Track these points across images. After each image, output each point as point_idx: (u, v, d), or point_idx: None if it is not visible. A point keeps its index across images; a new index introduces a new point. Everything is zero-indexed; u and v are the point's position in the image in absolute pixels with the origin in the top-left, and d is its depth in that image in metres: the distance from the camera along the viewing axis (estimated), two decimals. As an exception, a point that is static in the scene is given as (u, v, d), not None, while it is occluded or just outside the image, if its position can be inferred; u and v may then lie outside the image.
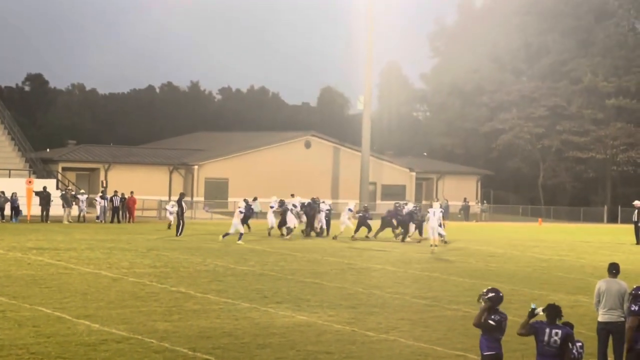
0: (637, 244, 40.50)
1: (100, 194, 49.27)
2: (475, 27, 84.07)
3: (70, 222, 44.91)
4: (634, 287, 13.02)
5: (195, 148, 69.13)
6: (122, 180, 57.28)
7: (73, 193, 48.26)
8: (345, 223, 38.78)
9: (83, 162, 61.10)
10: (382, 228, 38.74)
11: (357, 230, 38.22)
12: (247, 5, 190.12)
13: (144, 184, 58.38)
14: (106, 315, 16.95)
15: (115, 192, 48.24)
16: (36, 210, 45.00)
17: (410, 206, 39.52)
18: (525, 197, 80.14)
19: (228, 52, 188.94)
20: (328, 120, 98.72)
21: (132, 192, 48.75)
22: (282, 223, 38.25)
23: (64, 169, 59.30)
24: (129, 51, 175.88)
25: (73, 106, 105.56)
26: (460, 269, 27.43)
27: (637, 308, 12.45)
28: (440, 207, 36.93)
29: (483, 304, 11.06)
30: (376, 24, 66.64)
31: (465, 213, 62.73)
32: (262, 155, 65.63)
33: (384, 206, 56.84)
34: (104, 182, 57.33)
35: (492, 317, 10.99)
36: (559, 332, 10.62)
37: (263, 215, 41.55)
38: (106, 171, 60.28)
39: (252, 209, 42.73)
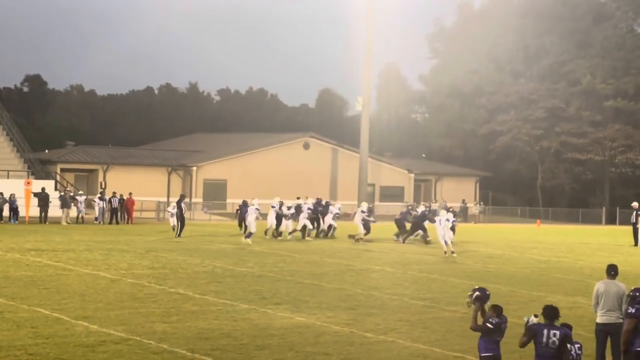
0: (636, 245, 40.49)
1: (98, 195, 49.30)
2: (474, 28, 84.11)
3: (69, 223, 44.90)
4: (632, 288, 13.02)
5: (194, 149, 69.16)
6: (120, 181, 57.30)
7: (71, 194, 48.25)
8: (360, 224, 38.58)
9: (81, 163, 61.11)
10: (408, 230, 38.60)
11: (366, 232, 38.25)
12: (245, 7, 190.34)
13: (143, 185, 58.37)
14: (104, 316, 16.95)
15: (114, 193, 48.25)
16: (35, 211, 44.99)
17: (422, 208, 39.52)
18: (523, 199, 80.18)
19: (227, 53, 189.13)
20: (326, 121, 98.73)
21: (130, 193, 48.75)
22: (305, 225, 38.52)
23: (62, 170, 59.32)
24: (127, 52, 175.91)
25: (72, 107, 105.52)
26: (459, 271, 27.44)
27: (634, 310, 12.45)
28: (452, 213, 36.09)
29: (473, 306, 11.12)
30: (375, 25, 66.67)
31: (463, 214, 62.75)
32: (261, 156, 65.66)
33: (383, 207, 56.93)
34: (103, 183, 57.34)
35: (491, 320, 11.01)
36: (557, 332, 10.63)
37: (263, 216, 41.53)
38: (105, 172, 60.30)
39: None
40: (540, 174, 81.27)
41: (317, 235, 39.26)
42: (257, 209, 36.12)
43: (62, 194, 47.37)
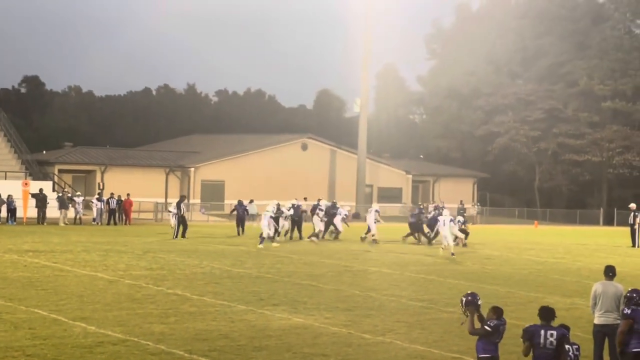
0: (633, 246, 40.52)
1: (96, 196, 49.29)
2: (472, 29, 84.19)
3: (67, 224, 44.90)
4: (629, 290, 13.04)
5: (192, 150, 69.17)
6: (118, 182, 57.26)
7: (69, 195, 48.26)
8: (372, 224, 38.47)
9: (79, 164, 61.09)
10: (424, 232, 38.57)
11: (369, 232, 38.23)
12: (243, 8, 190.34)
13: (141, 186, 58.36)
14: (102, 317, 16.94)
15: (112, 194, 48.23)
16: (32, 212, 45.01)
17: (431, 209, 39.53)
18: (521, 200, 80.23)
19: (224, 54, 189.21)
20: (325, 122, 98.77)
21: (128, 195, 48.77)
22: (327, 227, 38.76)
23: (60, 171, 59.27)
24: (125, 53, 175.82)
25: (69, 108, 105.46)
26: (456, 272, 27.45)
27: (629, 311, 12.46)
28: (459, 214, 36.17)
29: (468, 313, 11.14)
30: (373, 27, 66.70)
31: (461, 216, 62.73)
32: (259, 157, 65.65)
33: (381, 208, 56.71)
34: (101, 184, 57.33)
35: (489, 322, 11.01)
36: (554, 333, 10.63)
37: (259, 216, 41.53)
38: (102, 173, 60.27)
39: (247, 211, 42.75)
40: (538, 175, 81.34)
41: (334, 237, 39.10)
42: (271, 215, 35.34)
43: (60, 195, 47.37)
